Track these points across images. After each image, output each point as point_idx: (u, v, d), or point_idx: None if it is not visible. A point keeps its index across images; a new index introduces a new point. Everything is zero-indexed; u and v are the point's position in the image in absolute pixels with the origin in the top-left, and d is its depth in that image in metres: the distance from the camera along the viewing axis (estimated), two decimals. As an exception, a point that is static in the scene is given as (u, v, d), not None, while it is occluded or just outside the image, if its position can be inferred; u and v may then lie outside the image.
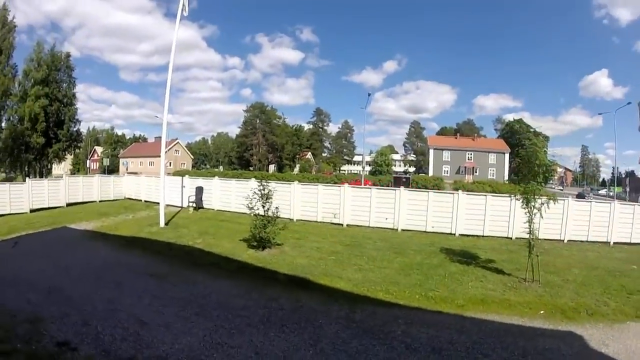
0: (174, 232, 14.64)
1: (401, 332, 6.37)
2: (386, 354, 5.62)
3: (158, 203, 17.48)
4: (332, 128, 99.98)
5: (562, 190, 57.11)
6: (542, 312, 7.58)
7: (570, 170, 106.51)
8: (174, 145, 74.83)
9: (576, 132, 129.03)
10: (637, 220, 15.36)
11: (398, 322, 6.77)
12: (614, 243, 15.02)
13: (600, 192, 61.70)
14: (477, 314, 7.38)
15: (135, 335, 5.94)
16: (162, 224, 15.83)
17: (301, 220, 17.34)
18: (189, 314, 6.92)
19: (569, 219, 15.02)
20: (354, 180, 40.62)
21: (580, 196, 39.13)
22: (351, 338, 6.10)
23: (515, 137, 66.34)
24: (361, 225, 16.39)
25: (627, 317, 7.46)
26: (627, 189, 42.62)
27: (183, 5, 15.73)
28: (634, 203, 18.18)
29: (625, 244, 15.03)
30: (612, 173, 68.16)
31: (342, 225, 16.64)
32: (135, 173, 41.90)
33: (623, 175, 68.27)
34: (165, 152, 17.65)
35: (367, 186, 23.00)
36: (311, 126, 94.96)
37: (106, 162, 55.01)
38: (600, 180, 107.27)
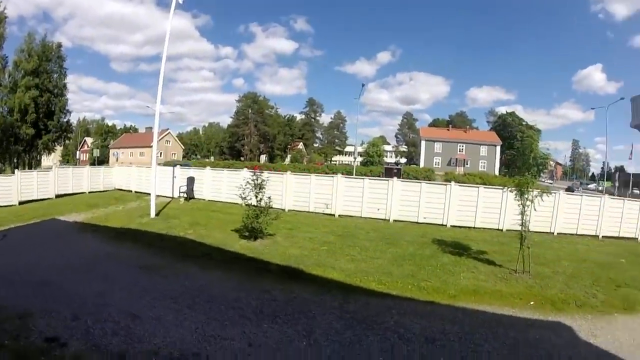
0: (165, 223, 14.50)
1: (394, 322, 6.39)
2: (380, 344, 5.64)
3: (149, 194, 17.28)
4: (325, 118, 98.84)
5: (552, 183, 57.50)
6: (532, 303, 7.68)
7: (560, 164, 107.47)
8: (165, 135, 74.03)
9: (568, 126, 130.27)
10: (627, 214, 15.60)
11: (391, 313, 6.79)
12: (603, 237, 15.24)
13: (589, 186, 62.19)
14: (469, 305, 7.44)
15: (127, 329, 5.85)
16: (152, 214, 15.66)
17: (293, 210, 17.31)
18: (180, 306, 6.85)
19: (559, 212, 15.17)
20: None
21: (569, 190, 39.58)
22: (345, 328, 6.10)
23: (508, 129, 67.17)
24: (353, 216, 16.41)
25: (615, 309, 7.59)
26: (617, 184, 42.96)
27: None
28: (624, 198, 18.38)
29: (614, 237, 15.28)
30: (602, 167, 68.89)
31: (334, 215, 16.63)
32: (129, 164, 41.65)
33: (612, 170, 69.10)
34: (157, 142, 17.44)
35: (357, 177, 23.14)
36: (303, 116, 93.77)
37: (96, 153, 54.34)
38: (590, 174, 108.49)
